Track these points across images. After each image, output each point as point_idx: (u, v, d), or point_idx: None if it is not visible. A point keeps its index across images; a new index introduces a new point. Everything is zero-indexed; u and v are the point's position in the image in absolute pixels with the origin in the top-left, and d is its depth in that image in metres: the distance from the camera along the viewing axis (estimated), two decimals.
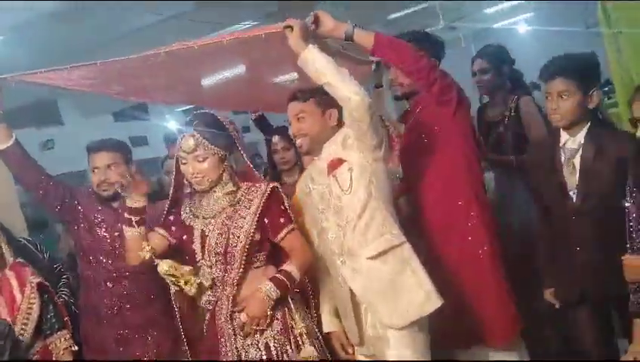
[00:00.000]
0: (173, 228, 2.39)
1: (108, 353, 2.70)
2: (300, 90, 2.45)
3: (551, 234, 2.52)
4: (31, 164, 2.71)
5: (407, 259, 2.34)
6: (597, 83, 2.44)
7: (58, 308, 2.71)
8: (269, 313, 2.27)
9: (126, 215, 2.31)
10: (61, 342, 2.64)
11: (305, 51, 2.24)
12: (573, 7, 7.29)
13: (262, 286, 2.27)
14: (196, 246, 2.34)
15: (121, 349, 2.69)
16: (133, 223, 2.28)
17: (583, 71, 2.40)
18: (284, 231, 2.34)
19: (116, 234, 2.72)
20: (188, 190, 2.48)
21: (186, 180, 2.39)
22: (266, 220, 2.32)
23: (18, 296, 2.59)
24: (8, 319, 2.54)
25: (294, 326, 2.31)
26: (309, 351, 2.29)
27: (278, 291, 2.26)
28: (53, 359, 2.63)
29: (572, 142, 2.43)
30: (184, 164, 2.31)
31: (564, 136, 2.45)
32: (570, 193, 2.41)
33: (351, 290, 2.33)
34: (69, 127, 8.36)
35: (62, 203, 2.76)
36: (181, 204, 2.43)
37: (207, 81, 3.00)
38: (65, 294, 2.95)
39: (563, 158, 2.44)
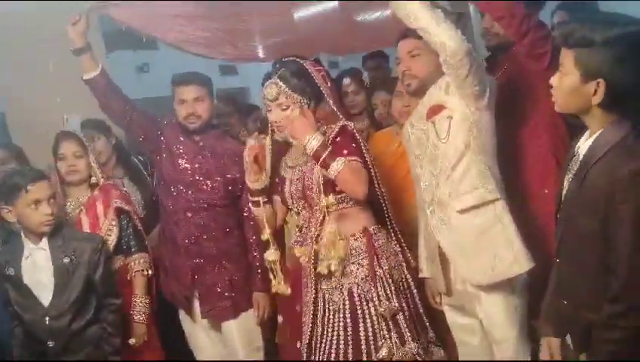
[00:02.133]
0: (280, 188, 2.38)
1: (184, 279, 2.77)
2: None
3: None
4: (117, 93, 2.74)
5: (499, 217, 2.21)
6: None
7: (138, 231, 2.78)
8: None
9: (250, 197, 2.35)
10: (135, 265, 2.72)
11: None
12: None
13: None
14: (287, 195, 2.33)
15: (195, 277, 2.75)
16: (260, 204, 2.30)
17: None
18: (343, 158, 2.17)
19: (196, 166, 2.75)
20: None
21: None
22: (344, 151, 2.20)
23: (101, 217, 2.69)
24: None
25: (382, 275, 2.22)
26: (384, 305, 2.19)
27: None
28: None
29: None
30: (269, 111, 2.28)
31: None
32: None
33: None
34: (163, 52, 8.57)
35: (145, 133, 2.79)
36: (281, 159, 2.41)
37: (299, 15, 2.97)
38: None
39: None
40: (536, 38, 2.37)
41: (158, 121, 2.84)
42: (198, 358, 2.93)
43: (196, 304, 2.80)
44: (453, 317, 2.42)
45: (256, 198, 2.33)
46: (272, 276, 2.30)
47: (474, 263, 2.22)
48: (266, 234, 2.30)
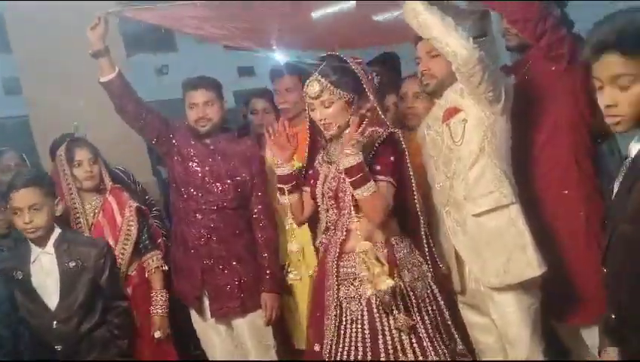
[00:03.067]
0: (312, 181, 2.34)
1: (194, 280, 2.79)
2: None
3: None
4: (132, 96, 2.76)
5: (513, 220, 2.20)
6: None
7: (152, 229, 2.86)
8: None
9: (277, 184, 2.32)
10: (153, 261, 2.80)
11: (408, 3, 2.10)
12: None
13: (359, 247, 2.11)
14: (318, 190, 2.28)
15: (205, 278, 2.77)
16: (285, 192, 2.28)
17: None
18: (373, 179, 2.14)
19: (207, 168, 2.76)
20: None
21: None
22: (377, 167, 2.14)
23: (118, 218, 2.76)
24: (111, 239, 2.70)
25: (402, 287, 2.12)
26: (401, 319, 2.10)
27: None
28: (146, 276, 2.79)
29: None
30: (312, 110, 2.22)
31: None
32: None
33: None
34: (183, 54, 8.66)
35: (158, 135, 2.81)
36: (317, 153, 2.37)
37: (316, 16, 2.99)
38: (157, 225, 3.07)
39: None
40: (553, 40, 2.34)
41: (171, 124, 2.86)
42: (209, 357, 2.94)
43: (206, 303, 2.82)
44: (468, 316, 2.41)
45: (281, 185, 2.29)
46: (289, 269, 2.29)
47: (487, 265, 2.22)
48: (288, 224, 2.28)
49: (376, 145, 2.16)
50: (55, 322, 2.37)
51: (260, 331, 2.81)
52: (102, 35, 2.67)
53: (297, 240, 2.32)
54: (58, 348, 2.37)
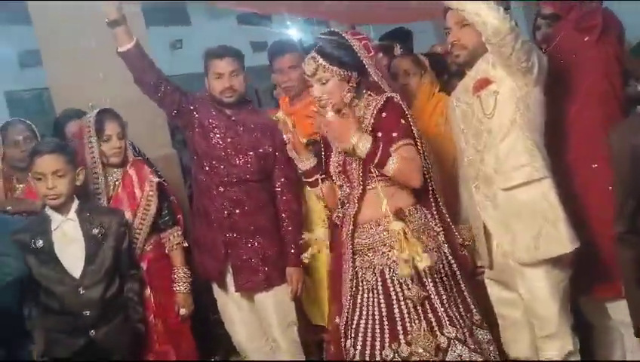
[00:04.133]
0: (327, 159, 2.33)
1: (217, 254, 2.76)
2: None
3: None
4: (151, 67, 2.70)
5: (545, 195, 2.14)
6: None
7: (172, 205, 2.83)
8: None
9: (304, 180, 2.36)
10: (174, 238, 2.78)
11: None
12: None
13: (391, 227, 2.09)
14: (331, 166, 2.28)
15: (229, 251, 2.74)
16: (319, 182, 2.30)
17: None
18: (394, 146, 2.10)
19: (229, 140, 2.72)
20: None
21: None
22: (379, 134, 2.12)
23: (137, 192, 2.72)
24: (129, 213, 2.68)
25: (416, 258, 2.09)
26: (414, 289, 2.11)
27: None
28: (165, 252, 2.79)
29: None
30: (311, 87, 2.22)
31: None
32: None
33: None
34: (196, 28, 8.63)
35: (178, 107, 2.75)
36: None
37: None
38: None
39: None
40: (584, 12, 2.30)
41: (190, 96, 2.80)
42: (229, 331, 2.93)
43: (229, 278, 2.80)
44: (494, 291, 2.38)
45: (309, 179, 2.32)
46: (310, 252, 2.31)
47: (518, 241, 2.17)
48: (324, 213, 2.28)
49: (376, 110, 2.14)
50: (82, 288, 2.40)
51: (283, 306, 2.79)
52: (118, 4, 2.61)
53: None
54: (86, 313, 2.40)
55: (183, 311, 2.74)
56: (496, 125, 2.17)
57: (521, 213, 2.17)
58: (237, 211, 2.73)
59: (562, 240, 2.15)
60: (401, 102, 2.16)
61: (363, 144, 2.06)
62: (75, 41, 3.39)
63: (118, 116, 2.77)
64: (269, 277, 2.75)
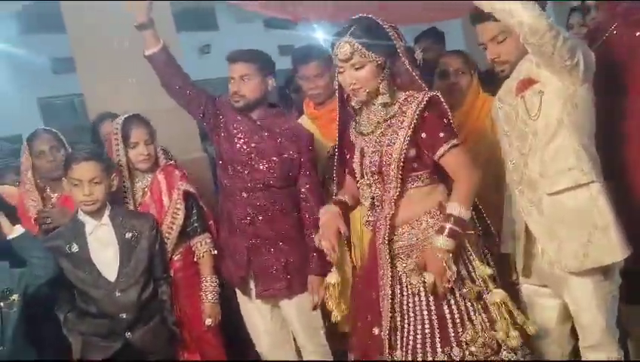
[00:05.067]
0: (348, 156, 2.24)
1: (240, 259, 2.71)
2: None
3: None
4: (177, 70, 2.68)
5: (594, 199, 2.00)
6: None
7: (202, 212, 2.76)
8: (453, 268, 1.99)
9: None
10: (202, 245, 2.71)
11: None
12: None
13: (434, 242, 2.02)
14: (356, 165, 2.18)
15: (251, 258, 2.69)
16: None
17: None
18: (443, 148, 2.03)
19: (253, 145, 2.66)
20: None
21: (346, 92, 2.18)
22: (423, 134, 2.04)
23: (165, 200, 2.68)
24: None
25: (463, 252, 2.06)
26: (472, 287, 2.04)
27: (451, 242, 2.00)
28: (195, 260, 2.73)
29: None
30: (341, 72, 2.10)
31: None
32: None
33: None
34: (224, 32, 8.71)
35: (204, 110, 2.72)
36: (349, 124, 2.27)
37: None
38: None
39: None
40: (631, 5, 2.17)
41: (217, 100, 2.76)
42: (253, 339, 2.87)
43: (251, 284, 2.74)
44: (531, 297, 2.25)
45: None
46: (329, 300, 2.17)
47: (565, 248, 2.04)
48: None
49: (418, 111, 2.04)
50: (118, 291, 2.42)
51: (307, 313, 2.72)
52: (147, 7, 2.60)
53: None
54: (123, 316, 2.41)
55: (209, 321, 2.67)
56: (542, 127, 2.05)
57: (568, 219, 2.04)
58: (260, 217, 2.67)
59: (613, 248, 2.01)
60: (442, 101, 2.07)
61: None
62: (109, 47, 3.40)
63: (145, 122, 2.73)
64: (290, 285, 2.69)
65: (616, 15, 2.27)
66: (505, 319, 1.95)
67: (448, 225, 2.01)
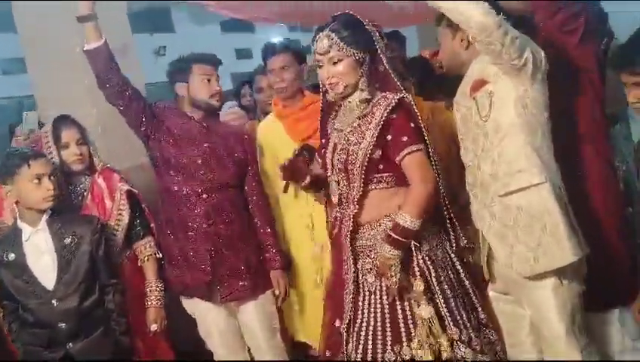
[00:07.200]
0: (322, 150, 2.26)
1: (203, 265, 2.64)
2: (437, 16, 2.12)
3: None
4: (117, 70, 2.55)
5: (544, 201, 1.98)
6: None
7: (144, 214, 2.69)
8: (395, 278, 2.05)
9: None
10: (146, 249, 2.65)
11: None
12: None
13: (379, 250, 2.06)
14: (328, 159, 2.18)
15: (215, 261, 2.63)
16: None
17: None
18: (404, 151, 2.04)
19: (206, 146, 2.64)
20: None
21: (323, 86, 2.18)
22: (389, 136, 2.05)
23: (108, 202, 2.61)
24: None
25: (415, 259, 2.09)
26: (426, 310, 2.06)
27: (396, 251, 2.03)
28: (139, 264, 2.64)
29: None
30: (320, 67, 2.11)
31: None
32: None
33: None
34: (180, 35, 8.65)
35: (144, 115, 2.63)
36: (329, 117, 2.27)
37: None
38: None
39: None
40: (567, 16, 2.19)
41: (155, 106, 2.70)
42: (209, 346, 2.82)
43: (214, 289, 2.67)
44: (498, 304, 2.24)
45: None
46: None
47: (516, 252, 2.02)
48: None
49: (386, 113, 2.05)
50: (55, 300, 2.30)
51: (268, 314, 2.73)
52: None
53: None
54: (62, 325, 2.31)
55: (154, 327, 2.59)
56: (492, 128, 2.05)
57: (518, 222, 2.03)
58: (218, 218, 2.64)
59: (564, 251, 1.97)
60: (412, 104, 2.07)
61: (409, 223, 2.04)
62: (59, 46, 3.32)
63: (76, 123, 2.66)
64: (254, 284, 2.67)
65: (554, 22, 2.24)
66: (424, 333, 2.02)
67: (393, 235, 2.03)
